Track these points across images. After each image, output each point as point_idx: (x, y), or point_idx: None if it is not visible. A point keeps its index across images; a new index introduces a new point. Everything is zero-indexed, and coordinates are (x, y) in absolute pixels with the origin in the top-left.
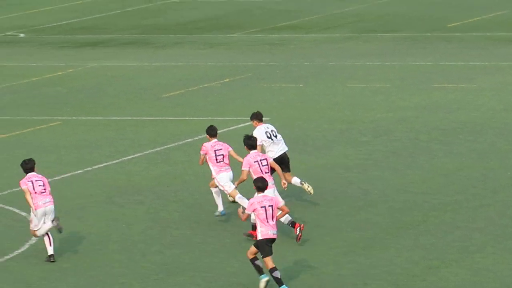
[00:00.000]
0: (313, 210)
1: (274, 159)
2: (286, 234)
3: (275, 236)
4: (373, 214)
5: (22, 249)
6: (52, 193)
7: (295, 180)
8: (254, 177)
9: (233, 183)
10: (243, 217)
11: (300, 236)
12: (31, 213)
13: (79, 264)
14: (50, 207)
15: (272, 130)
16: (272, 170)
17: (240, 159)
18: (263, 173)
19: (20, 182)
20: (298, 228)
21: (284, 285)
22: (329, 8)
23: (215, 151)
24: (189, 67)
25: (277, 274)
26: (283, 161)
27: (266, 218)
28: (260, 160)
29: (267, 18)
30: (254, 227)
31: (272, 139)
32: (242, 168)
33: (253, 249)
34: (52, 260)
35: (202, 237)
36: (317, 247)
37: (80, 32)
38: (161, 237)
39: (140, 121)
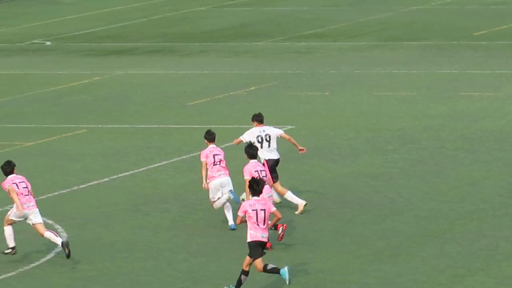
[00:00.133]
0: (338, 218)
1: None
2: (311, 243)
3: (264, 240)
4: (399, 222)
5: (48, 256)
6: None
7: (290, 197)
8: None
9: (230, 188)
10: (237, 220)
11: (282, 235)
12: (13, 210)
13: (105, 272)
14: (33, 210)
15: (266, 135)
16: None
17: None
18: None
19: (3, 183)
20: (281, 227)
21: None
22: (355, 16)
23: (214, 155)
24: (214, 75)
25: (243, 278)
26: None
27: (257, 221)
28: (260, 170)
29: (294, 27)
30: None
31: (261, 145)
32: (245, 178)
33: (248, 259)
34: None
35: (228, 245)
36: (343, 255)
37: (106, 40)
38: (187, 245)
39: (166, 129)
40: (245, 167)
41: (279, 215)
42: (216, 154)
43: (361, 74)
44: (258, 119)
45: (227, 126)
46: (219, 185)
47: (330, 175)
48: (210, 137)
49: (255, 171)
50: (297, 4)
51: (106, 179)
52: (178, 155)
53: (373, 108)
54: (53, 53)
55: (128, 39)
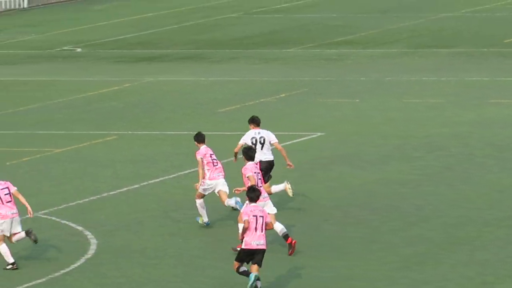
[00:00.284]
0: (366, 225)
1: None
2: (339, 250)
3: (259, 247)
4: (426, 230)
5: (78, 263)
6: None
7: (275, 189)
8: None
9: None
10: (240, 236)
11: (293, 251)
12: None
13: (135, 278)
14: (17, 218)
15: (261, 137)
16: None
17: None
18: (258, 186)
19: None
20: (290, 243)
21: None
22: (385, 23)
23: (210, 155)
24: (244, 82)
25: (242, 269)
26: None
27: (256, 227)
28: (257, 173)
29: (324, 33)
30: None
31: (255, 147)
32: (248, 175)
33: (235, 263)
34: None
35: None
36: (370, 262)
37: (136, 47)
38: (218, 251)
39: None
40: (244, 167)
41: (272, 226)
42: (211, 154)
43: (390, 81)
44: (255, 122)
45: None
46: (215, 185)
47: (358, 182)
48: (200, 138)
49: (254, 173)
50: (326, 11)
51: (136, 185)
52: None
53: (402, 115)
54: (83, 60)
55: (158, 46)
